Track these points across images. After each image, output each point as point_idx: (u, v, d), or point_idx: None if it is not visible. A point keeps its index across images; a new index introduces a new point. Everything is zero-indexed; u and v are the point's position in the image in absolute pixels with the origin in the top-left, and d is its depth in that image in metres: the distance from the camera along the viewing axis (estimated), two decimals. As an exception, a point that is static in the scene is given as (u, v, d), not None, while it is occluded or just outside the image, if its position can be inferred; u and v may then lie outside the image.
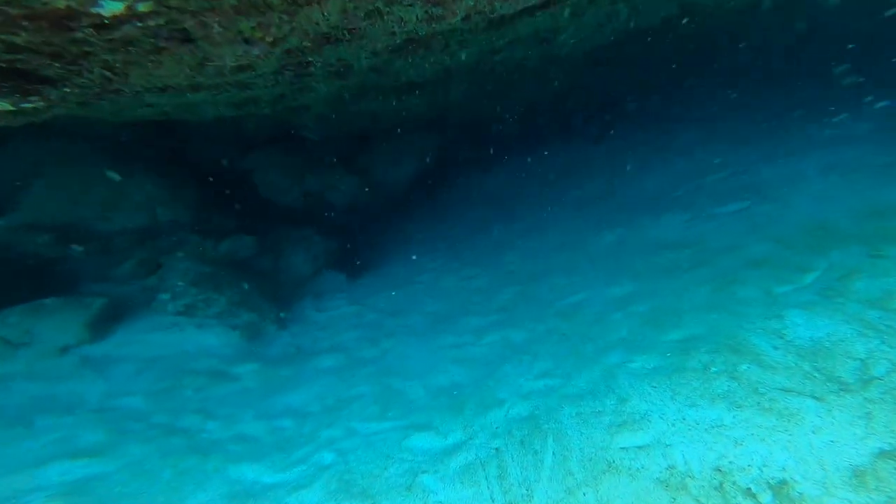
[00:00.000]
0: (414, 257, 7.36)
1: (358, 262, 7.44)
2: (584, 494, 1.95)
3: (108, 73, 1.93)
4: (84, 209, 4.62)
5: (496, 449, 2.52)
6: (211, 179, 6.33)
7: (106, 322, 4.44)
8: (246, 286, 5.51)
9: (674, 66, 8.62)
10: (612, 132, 9.32)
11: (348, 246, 7.45)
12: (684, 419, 2.07)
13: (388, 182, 7.69)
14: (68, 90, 1.96)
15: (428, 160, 7.96)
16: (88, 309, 4.37)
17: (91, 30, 1.64)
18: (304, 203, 6.91)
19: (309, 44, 2.31)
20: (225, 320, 4.99)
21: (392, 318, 5.31)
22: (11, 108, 1.91)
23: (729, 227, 3.80)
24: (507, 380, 3.29)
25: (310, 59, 2.64)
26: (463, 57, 4.15)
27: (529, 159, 10.04)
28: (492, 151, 9.27)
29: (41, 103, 1.95)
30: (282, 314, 5.65)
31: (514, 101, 7.49)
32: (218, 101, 3.34)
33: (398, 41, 2.82)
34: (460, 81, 5.41)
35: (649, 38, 6.24)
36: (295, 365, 4.36)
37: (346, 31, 2.32)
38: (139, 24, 1.68)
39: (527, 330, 3.99)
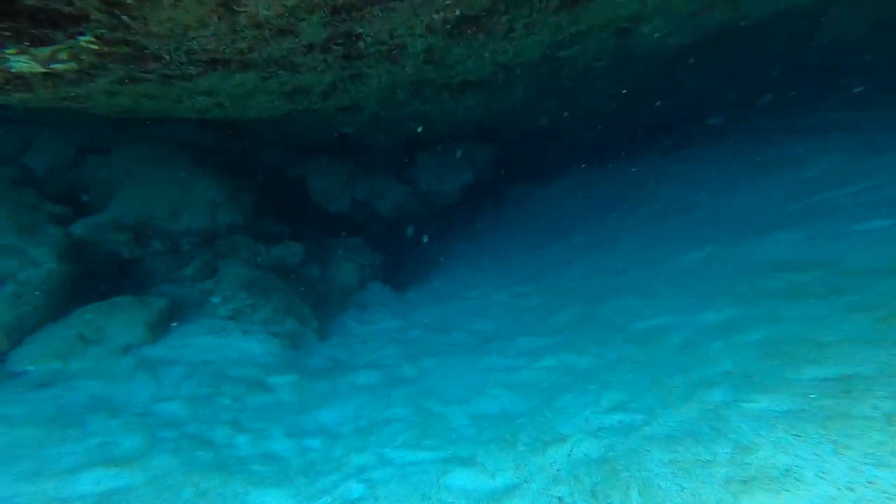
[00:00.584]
0: (462, 272, 6.95)
1: (403, 275, 7.14)
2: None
3: (119, 14, 1.74)
4: (156, 209, 4.71)
5: (558, 499, 1.99)
6: (267, 184, 6.37)
7: (164, 323, 4.41)
8: (292, 294, 5.36)
9: (776, 72, 7.69)
10: (686, 145, 8.54)
11: (394, 258, 7.19)
12: (871, 482, 1.43)
13: (437, 193, 7.42)
14: (84, 39, 1.79)
15: (481, 171, 7.62)
16: (150, 309, 4.37)
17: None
18: (352, 211, 6.78)
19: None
20: (269, 327, 4.82)
21: (436, 335, 4.89)
22: (42, 69, 1.80)
23: (875, 248, 3.04)
24: (568, 411, 2.74)
25: (359, 29, 2.40)
26: (526, 46, 3.79)
27: (591, 172, 9.43)
28: (549, 163, 8.79)
29: (70, 62, 1.82)
30: (324, 325, 5.41)
31: (578, 109, 7.01)
32: (271, 90, 3.20)
33: (456, 13, 2.53)
34: (519, 83, 5.05)
35: (754, 35, 5.50)
36: (331, 379, 4.04)
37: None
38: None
39: (591, 355, 3.40)
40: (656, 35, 4.42)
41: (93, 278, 4.82)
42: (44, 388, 3.61)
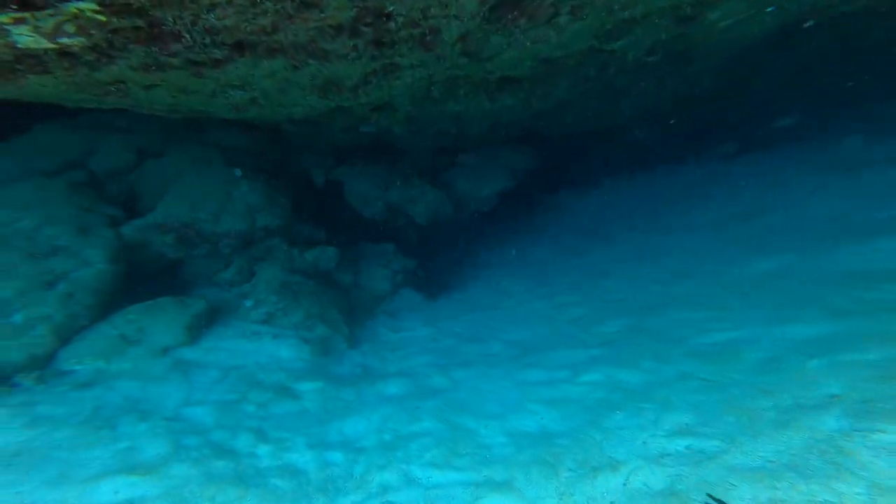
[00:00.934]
0: (498, 280, 6.63)
1: (436, 282, 6.91)
2: None
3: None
4: (199, 211, 4.76)
5: (614, 542, 1.64)
6: (304, 189, 6.37)
7: (202, 325, 4.41)
8: (324, 299, 5.24)
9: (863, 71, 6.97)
10: (752, 148, 7.90)
11: (427, 264, 6.99)
12: None
13: (473, 198, 7.18)
14: (87, 7, 1.68)
15: (519, 176, 7.33)
16: (189, 311, 4.38)
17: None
18: (386, 216, 6.65)
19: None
20: (300, 332, 4.71)
21: (469, 345, 4.59)
22: (49, 43, 1.74)
23: None
24: (621, 433, 2.37)
25: (389, 7, 2.23)
26: (572, 35, 3.51)
27: (639, 179, 8.91)
28: (593, 169, 8.37)
29: (79, 37, 1.74)
30: (354, 331, 5.25)
31: (625, 111, 6.60)
32: (303, 84, 3.10)
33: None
34: (562, 80, 4.76)
35: (839, 27, 4.92)
36: (358, 387, 3.83)
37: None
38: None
39: (645, 371, 3.00)
40: (723, 23, 3.99)
41: (141, 279, 4.93)
42: (86, 387, 3.61)
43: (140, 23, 1.91)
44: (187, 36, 2.05)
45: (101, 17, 1.79)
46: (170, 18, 1.90)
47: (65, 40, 1.85)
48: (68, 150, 5.62)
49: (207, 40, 2.13)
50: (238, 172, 5.08)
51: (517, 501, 2.10)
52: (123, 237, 4.82)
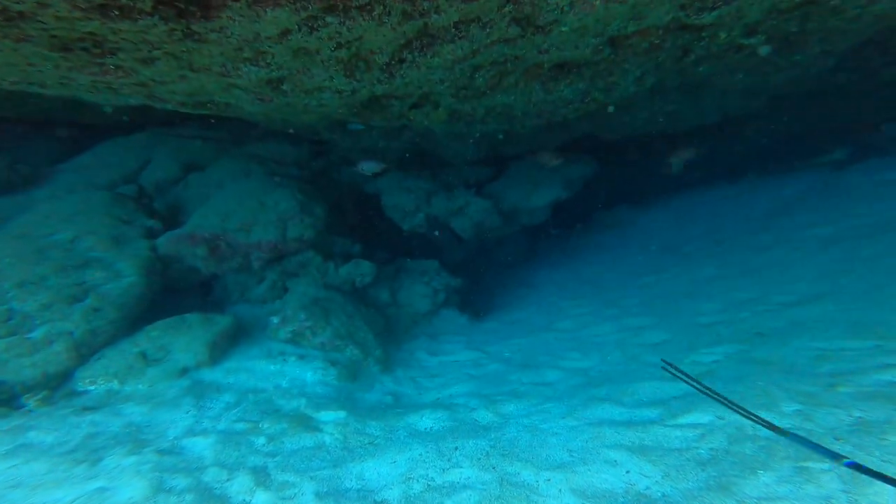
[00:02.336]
0: (552, 300, 5.82)
1: (483, 302, 6.22)
2: None
3: None
4: (230, 222, 4.49)
5: None
6: (342, 200, 6.04)
7: (227, 343, 4.05)
8: (356, 318, 4.73)
9: None
10: (865, 156, 6.68)
11: (473, 282, 6.34)
12: None
13: (523, 210, 6.51)
14: None
15: (574, 187, 6.59)
16: (213, 329, 4.03)
17: None
18: (427, 229, 6.13)
19: None
20: (328, 353, 4.20)
21: (520, 373, 3.83)
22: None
23: None
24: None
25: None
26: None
27: (720, 190, 7.83)
28: (662, 179, 7.44)
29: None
30: (389, 353, 4.66)
31: (708, 112, 5.72)
32: (325, 55, 2.67)
33: None
34: (632, 67, 4.08)
35: None
36: (388, 420, 3.19)
37: None
38: None
39: (785, 414, 2.12)
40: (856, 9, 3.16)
41: (176, 295, 4.70)
42: (89, 412, 3.26)
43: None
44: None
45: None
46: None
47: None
48: (125, 164, 5.68)
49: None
50: (276, 180, 4.80)
51: None
52: (158, 249, 4.63)
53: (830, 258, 4.44)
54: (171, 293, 4.69)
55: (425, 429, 3.00)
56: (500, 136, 5.76)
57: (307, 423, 3.15)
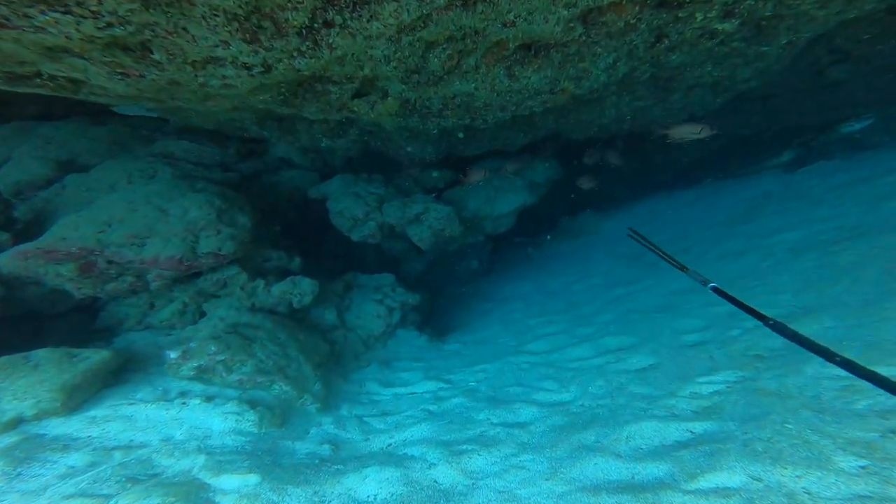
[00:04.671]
0: (519, 317, 5.27)
1: (444, 320, 5.59)
2: None
3: None
4: (113, 234, 3.52)
5: None
6: (280, 207, 5.23)
7: (97, 385, 3.10)
8: (290, 346, 3.94)
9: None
10: (816, 157, 6.68)
11: (433, 298, 5.70)
12: None
13: (487, 217, 5.96)
14: None
15: (540, 191, 6.13)
16: (76, 368, 3.07)
17: None
18: (381, 239, 5.43)
19: None
20: (248, 392, 3.39)
21: (488, 409, 3.21)
22: None
23: None
24: None
25: None
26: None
27: (680, 195, 7.66)
28: (627, 181, 7.17)
29: None
30: (332, 387, 3.91)
31: (675, 109, 5.45)
32: (211, 18, 1.98)
33: None
34: (603, 54, 3.64)
35: None
36: (317, 484, 2.45)
37: None
38: None
39: (838, 472, 1.60)
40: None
41: (37, 324, 3.68)
42: None
43: None
44: None
45: None
46: None
47: None
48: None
49: None
50: (186, 184, 3.94)
51: None
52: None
53: (807, 266, 4.17)
54: (32, 321, 3.67)
55: (367, 498, 2.30)
56: (461, 135, 5.21)
57: (195, 497, 2.32)
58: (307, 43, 2.40)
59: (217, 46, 2.18)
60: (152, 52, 2.20)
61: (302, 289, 4.46)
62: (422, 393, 3.89)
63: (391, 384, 4.17)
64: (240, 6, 1.98)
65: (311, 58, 2.54)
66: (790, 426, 1.92)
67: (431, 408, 3.52)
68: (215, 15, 1.99)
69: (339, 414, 3.60)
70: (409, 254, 6.36)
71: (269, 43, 2.27)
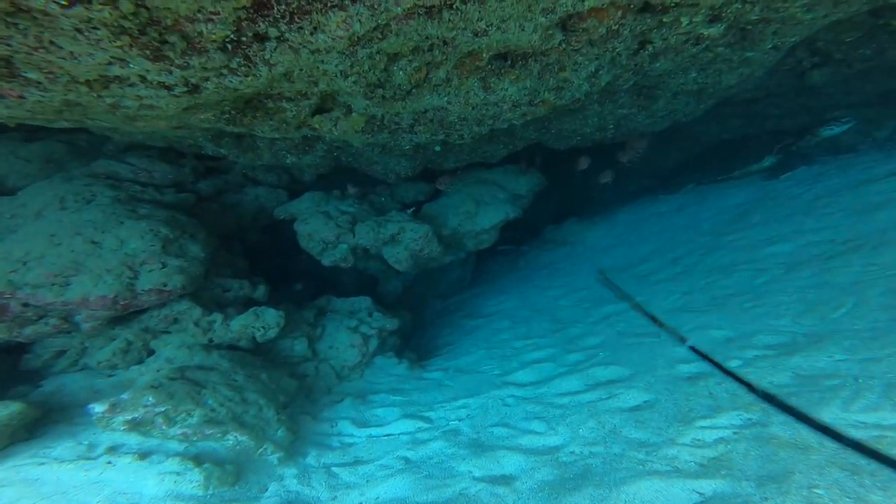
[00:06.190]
0: (504, 339, 4.97)
1: (425, 344, 5.25)
2: None
3: None
4: (30, 271, 3.07)
5: None
6: (243, 230, 4.84)
7: (1, 441, 2.67)
8: (249, 388, 3.55)
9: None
10: (797, 163, 6.56)
11: (413, 322, 5.36)
12: None
13: (468, 233, 5.65)
14: None
15: (523, 204, 5.86)
16: None
17: None
18: (354, 262, 5.07)
19: None
20: (194, 446, 2.99)
21: (471, 458, 2.88)
22: None
23: None
24: None
25: None
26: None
27: (663, 203, 7.48)
28: (609, 192, 6.95)
29: None
30: (299, 431, 3.54)
31: (659, 118, 5.24)
32: (91, 33, 1.64)
33: None
34: (584, 62, 3.38)
35: None
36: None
37: None
38: None
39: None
40: None
41: None
42: None
43: None
44: None
45: None
46: None
47: None
48: None
49: None
50: (128, 209, 3.53)
51: None
52: None
53: (804, 284, 3.96)
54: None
55: (326, 593, 1.94)
56: (438, 149, 4.90)
57: None
58: (237, 59, 2.05)
59: (111, 64, 1.82)
60: (23, 71, 1.84)
61: (266, 321, 4.07)
62: (398, 434, 3.55)
63: (366, 423, 3.81)
64: (123, 18, 1.62)
65: (246, 76, 2.19)
66: (821, 493, 1.64)
67: (409, 454, 3.18)
68: (94, 28, 1.63)
69: (304, 463, 3.23)
70: (388, 273, 6.01)
71: (183, 60, 1.91)
